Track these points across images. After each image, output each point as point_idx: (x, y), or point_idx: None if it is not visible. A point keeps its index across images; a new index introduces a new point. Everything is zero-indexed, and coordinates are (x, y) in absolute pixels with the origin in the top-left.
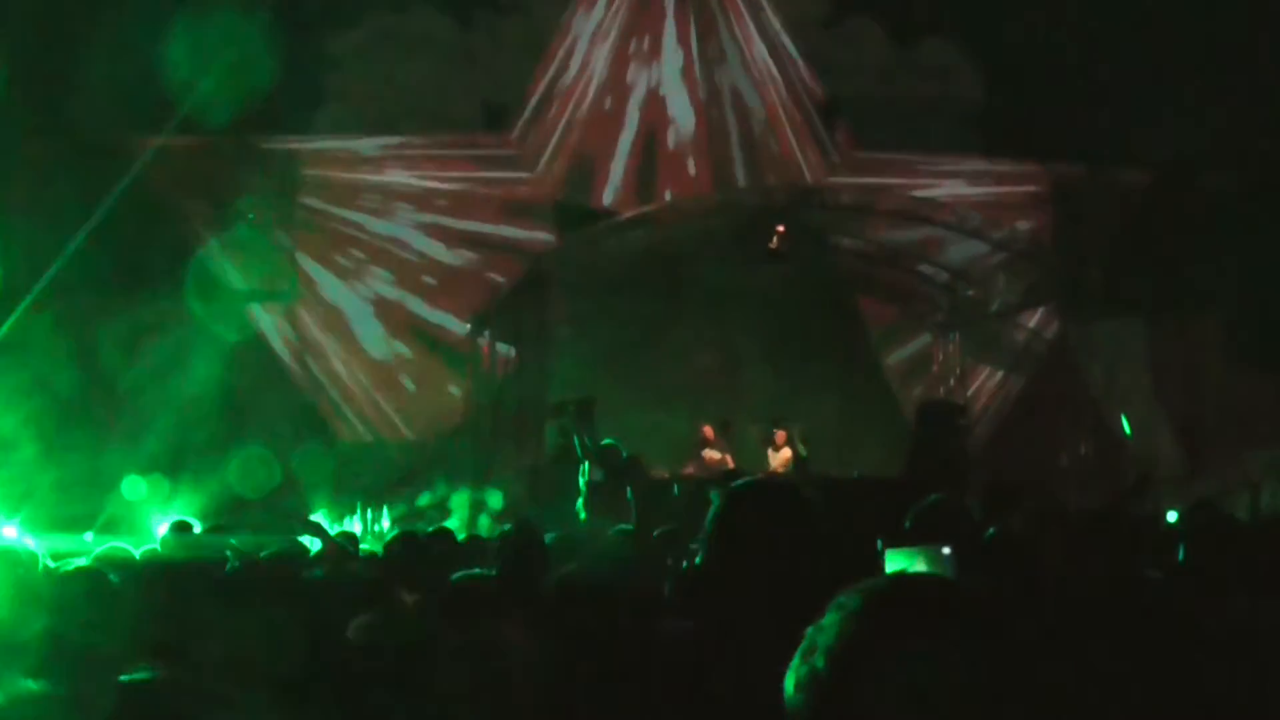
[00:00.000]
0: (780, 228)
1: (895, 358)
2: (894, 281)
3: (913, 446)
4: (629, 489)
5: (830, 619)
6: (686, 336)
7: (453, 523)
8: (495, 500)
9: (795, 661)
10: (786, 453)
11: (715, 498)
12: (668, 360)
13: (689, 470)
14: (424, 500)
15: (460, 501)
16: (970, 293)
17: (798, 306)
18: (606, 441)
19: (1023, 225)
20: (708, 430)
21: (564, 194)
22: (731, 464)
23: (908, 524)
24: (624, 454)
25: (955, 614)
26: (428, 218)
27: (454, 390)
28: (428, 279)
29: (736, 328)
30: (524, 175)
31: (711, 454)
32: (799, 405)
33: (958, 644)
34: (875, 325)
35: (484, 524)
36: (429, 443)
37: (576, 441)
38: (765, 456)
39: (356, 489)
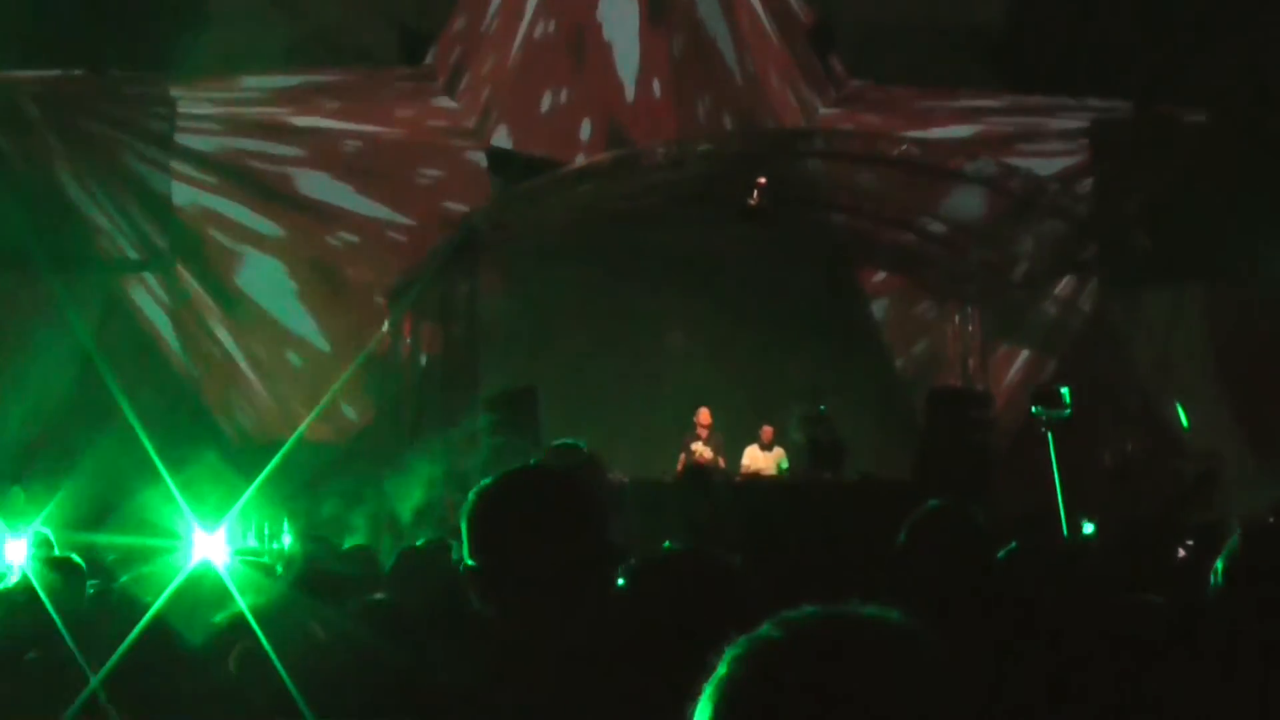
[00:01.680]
0: (760, 180)
1: (900, 337)
2: (898, 245)
3: (922, 443)
4: None
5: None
6: (648, 313)
7: (356, 538)
8: (406, 511)
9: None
10: (779, 452)
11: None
12: (625, 342)
13: (680, 466)
14: (327, 510)
15: (364, 514)
16: (992, 257)
17: (782, 276)
18: (562, 442)
19: (1054, 175)
20: (703, 414)
21: (497, 140)
22: (724, 463)
23: (901, 537)
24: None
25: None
26: (333, 168)
27: (367, 378)
28: (334, 243)
29: (708, 302)
30: (448, 119)
31: (702, 450)
32: (785, 394)
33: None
34: (876, 298)
35: (387, 544)
36: (335, 441)
37: (501, 440)
38: (757, 455)
39: (251, 496)
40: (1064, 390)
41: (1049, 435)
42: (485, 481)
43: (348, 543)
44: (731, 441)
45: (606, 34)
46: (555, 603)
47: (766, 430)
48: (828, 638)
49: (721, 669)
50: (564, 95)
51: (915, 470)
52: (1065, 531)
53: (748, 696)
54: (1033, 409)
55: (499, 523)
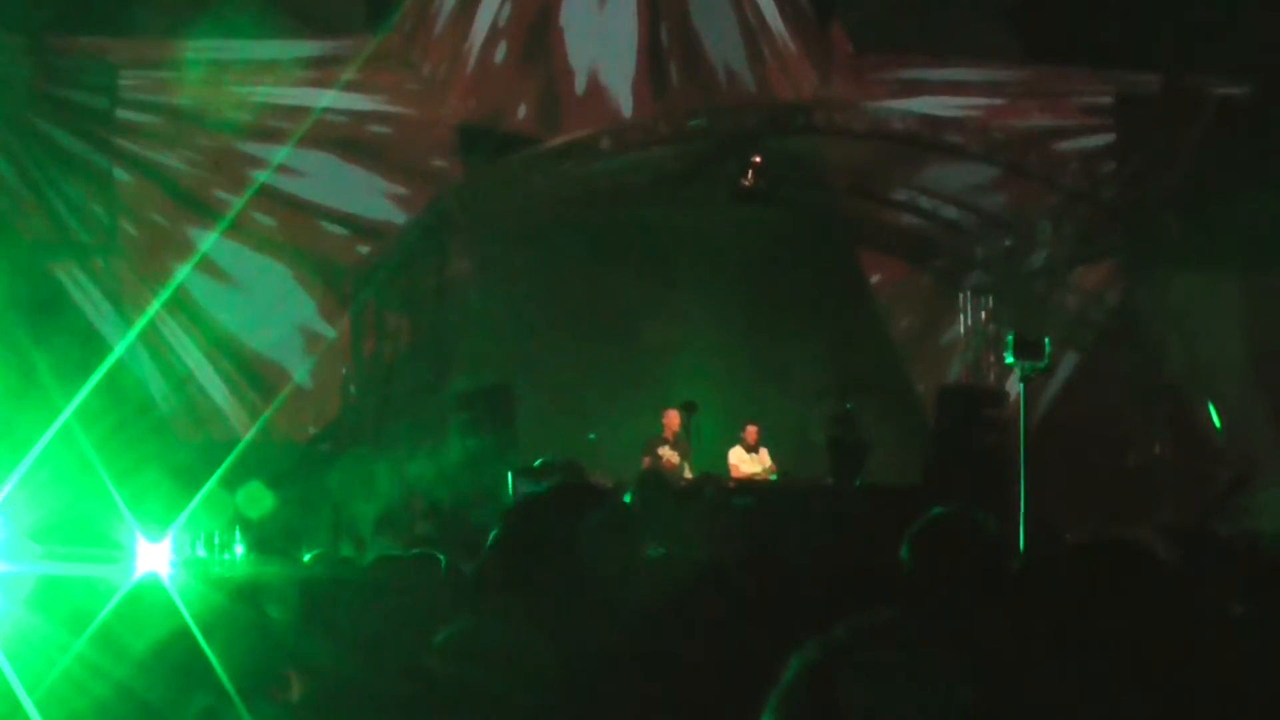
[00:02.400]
0: (756, 158)
1: (909, 329)
2: (907, 229)
3: (932, 446)
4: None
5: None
6: (633, 303)
7: (315, 547)
8: (368, 518)
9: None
10: (765, 456)
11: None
12: (608, 334)
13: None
14: (284, 516)
15: (323, 521)
16: (1008, 243)
17: (779, 262)
18: (540, 462)
19: (1076, 153)
20: (671, 417)
21: (470, 115)
22: (689, 472)
23: (904, 551)
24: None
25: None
26: (289, 146)
27: (327, 372)
28: (289, 226)
29: (698, 291)
30: (417, 90)
31: (669, 455)
32: (780, 391)
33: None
34: (883, 287)
35: (345, 552)
36: (294, 443)
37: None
38: (742, 457)
39: (200, 502)
40: (1046, 340)
41: (1021, 388)
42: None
43: (307, 553)
44: (725, 443)
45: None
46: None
47: (750, 430)
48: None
49: (789, 676)
50: (546, 68)
51: (924, 475)
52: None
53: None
54: (1007, 358)
55: None
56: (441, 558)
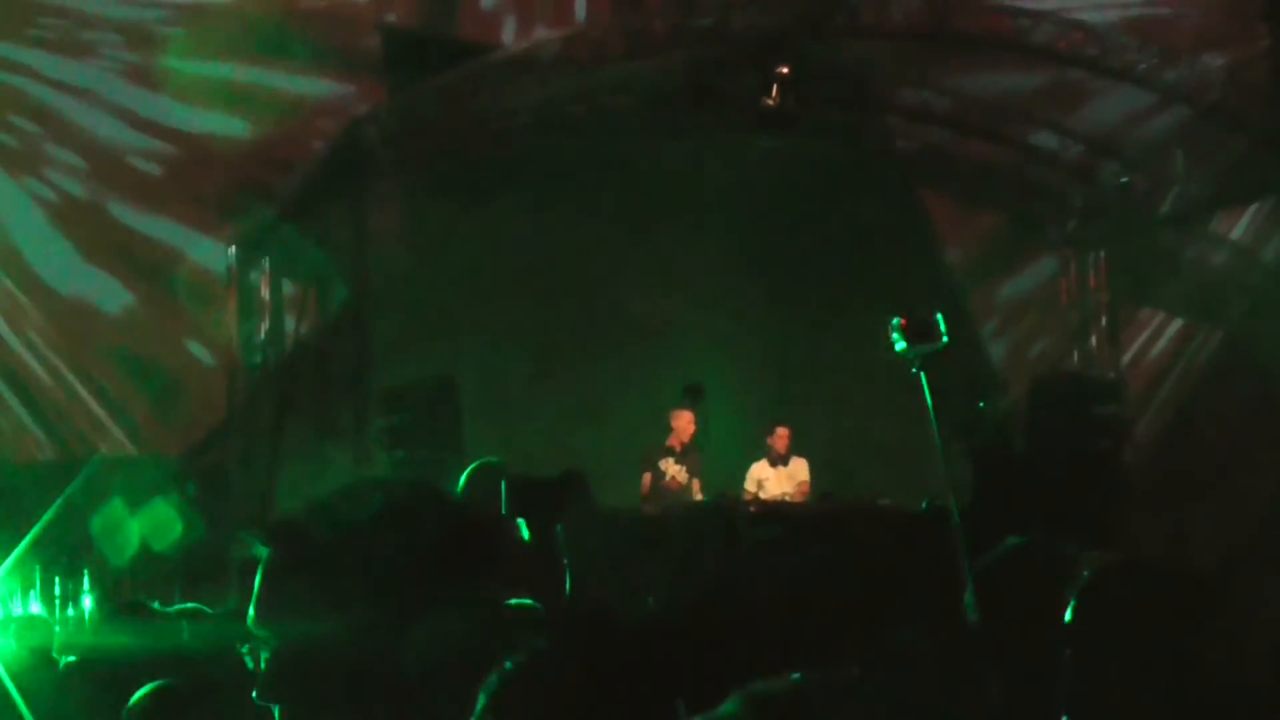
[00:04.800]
0: (782, 70)
1: (991, 299)
2: (989, 164)
3: (1022, 454)
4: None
5: None
6: (616, 265)
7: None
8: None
9: None
10: (799, 468)
11: None
12: (583, 309)
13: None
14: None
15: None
16: (1125, 180)
17: (815, 211)
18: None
19: (1215, 63)
20: (682, 420)
21: (395, 14)
22: (701, 493)
23: (967, 599)
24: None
25: None
26: (151, 61)
27: (205, 363)
28: (152, 169)
29: (705, 248)
30: None
31: (675, 471)
32: (816, 384)
33: None
34: (955, 240)
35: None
36: (163, 458)
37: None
38: (763, 473)
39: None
40: (938, 316)
41: (922, 378)
42: None
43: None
44: (740, 452)
45: None
46: None
47: (780, 434)
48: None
49: None
50: None
51: (1008, 494)
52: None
53: None
54: (896, 343)
55: None
56: None
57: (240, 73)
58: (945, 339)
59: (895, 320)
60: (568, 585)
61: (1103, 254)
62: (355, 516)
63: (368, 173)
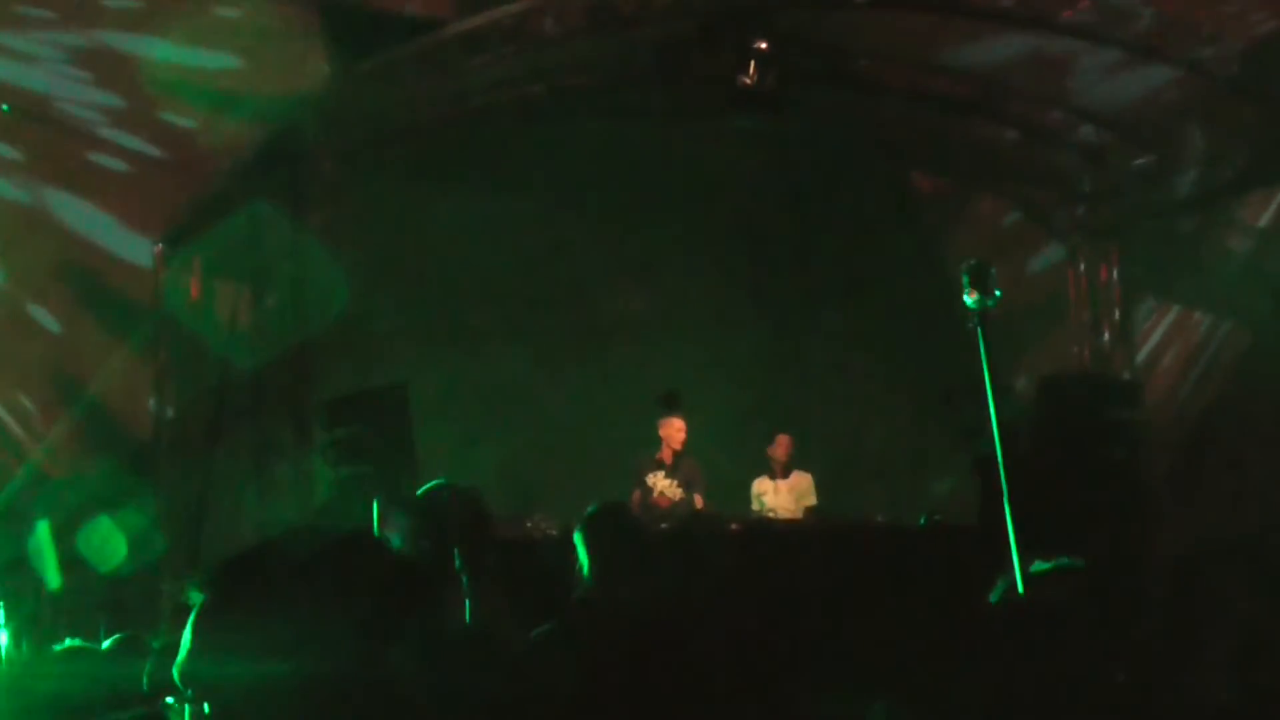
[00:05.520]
0: (761, 44)
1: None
2: (988, 145)
3: (1028, 464)
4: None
5: None
6: (585, 263)
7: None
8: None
9: None
10: (803, 485)
11: None
12: (550, 308)
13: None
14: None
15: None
16: (1140, 161)
17: (799, 198)
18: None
19: (1238, 35)
20: (672, 429)
21: None
22: (700, 502)
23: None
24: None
25: None
26: (71, 39)
27: (129, 372)
28: (81, 156)
29: (682, 241)
30: None
31: (665, 487)
32: (804, 387)
33: None
34: (953, 229)
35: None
36: (82, 478)
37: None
38: (767, 487)
39: None
40: (992, 270)
41: (980, 334)
42: None
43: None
44: (726, 463)
45: None
46: None
47: (780, 443)
48: None
49: None
50: None
51: (1016, 509)
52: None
53: None
54: (965, 293)
55: None
56: None
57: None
58: (999, 293)
59: (965, 271)
60: (468, 611)
61: (1115, 243)
62: (290, 563)
63: (305, 163)
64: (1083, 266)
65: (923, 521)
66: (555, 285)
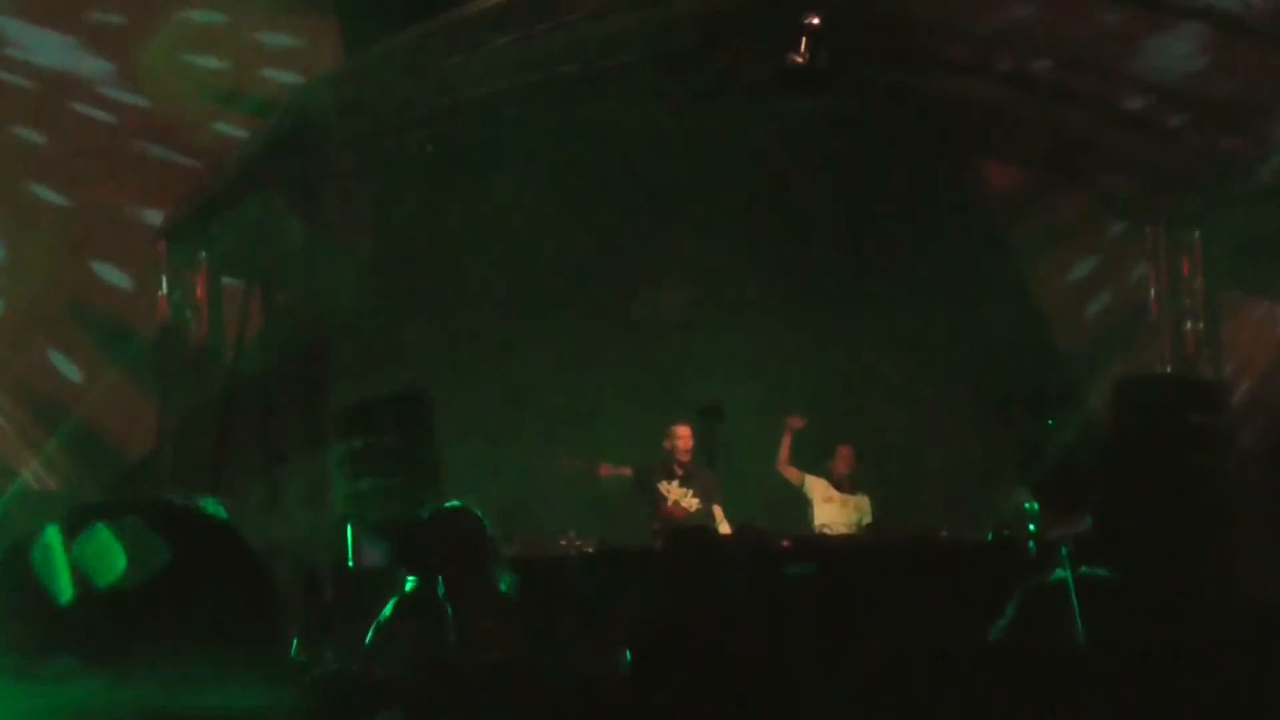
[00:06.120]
0: (813, 20)
1: (1065, 286)
2: (1057, 125)
3: (1107, 471)
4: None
5: None
6: (620, 256)
7: None
8: None
9: None
10: (864, 506)
11: None
12: (582, 307)
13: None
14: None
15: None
16: (1226, 145)
17: (855, 184)
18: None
19: None
20: (680, 436)
21: None
22: (720, 513)
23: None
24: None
25: None
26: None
27: (132, 378)
28: (75, 143)
29: (723, 232)
30: None
31: (679, 496)
32: (858, 393)
33: None
34: (1019, 218)
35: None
36: (80, 486)
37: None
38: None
39: None
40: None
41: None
42: None
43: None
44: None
45: None
46: None
47: (842, 455)
48: None
49: None
50: None
51: (1096, 521)
52: None
53: None
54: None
55: None
56: None
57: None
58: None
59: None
60: (451, 637)
61: (1198, 233)
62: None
63: (318, 150)
64: (1164, 259)
65: (990, 538)
66: (588, 281)
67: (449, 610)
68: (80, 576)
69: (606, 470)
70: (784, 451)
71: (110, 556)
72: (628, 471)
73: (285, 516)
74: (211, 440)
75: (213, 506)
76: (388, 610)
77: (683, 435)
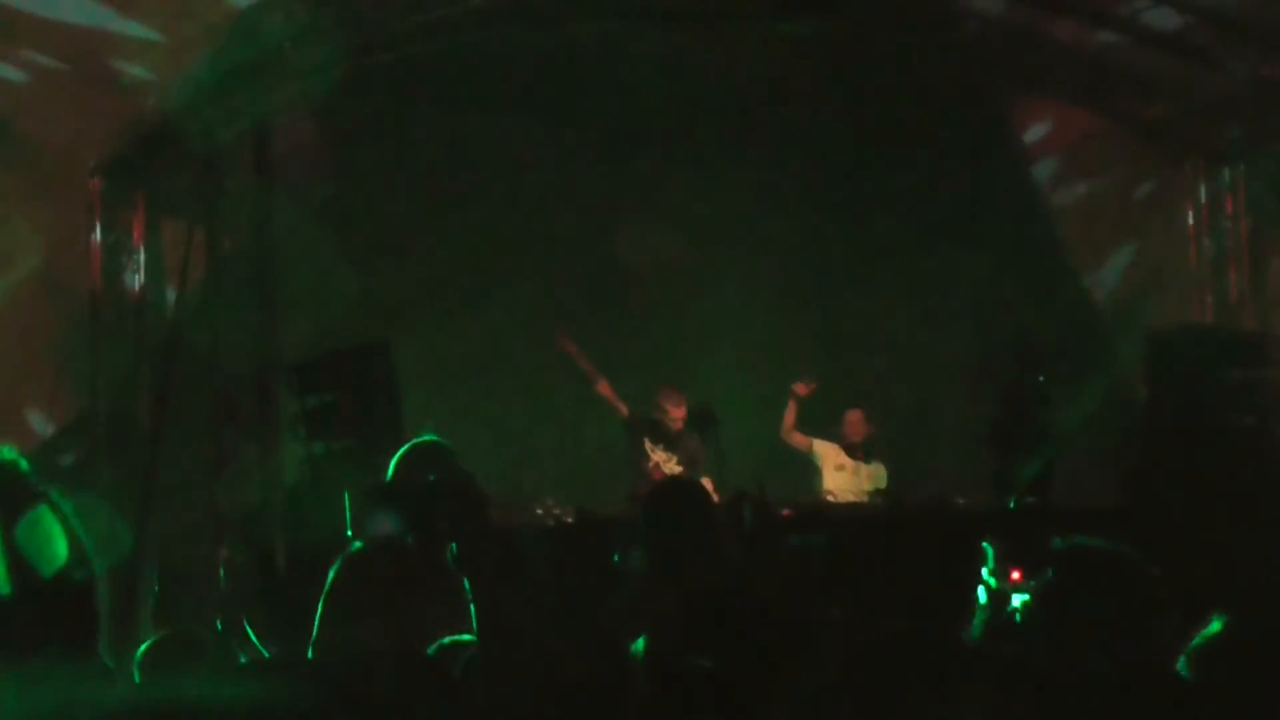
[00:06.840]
0: None
1: (1094, 230)
2: (1094, 55)
3: (1143, 429)
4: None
5: None
6: (600, 203)
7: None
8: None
9: None
10: (878, 470)
11: None
12: (562, 257)
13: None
14: None
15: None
16: (1270, 70)
17: (860, 123)
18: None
19: None
20: (672, 400)
21: None
22: (710, 489)
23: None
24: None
25: None
26: None
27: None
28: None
29: (718, 178)
30: None
31: (663, 459)
32: (867, 351)
33: None
34: (1046, 151)
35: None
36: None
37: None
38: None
39: None
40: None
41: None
42: None
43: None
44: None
45: None
46: None
47: (851, 421)
48: None
49: None
50: None
51: (1129, 483)
52: None
53: None
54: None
55: None
56: None
57: None
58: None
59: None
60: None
61: (1242, 167)
62: None
63: (270, 77)
64: (1203, 196)
65: (1013, 506)
66: (565, 223)
67: (465, 583)
68: None
69: (606, 390)
70: (789, 417)
71: (53, 545)
72: (623, 409)
73: (232, 483)
74: (150, 399)
75: (9, 453)
76: (333, 576)
77: (674, 405)
